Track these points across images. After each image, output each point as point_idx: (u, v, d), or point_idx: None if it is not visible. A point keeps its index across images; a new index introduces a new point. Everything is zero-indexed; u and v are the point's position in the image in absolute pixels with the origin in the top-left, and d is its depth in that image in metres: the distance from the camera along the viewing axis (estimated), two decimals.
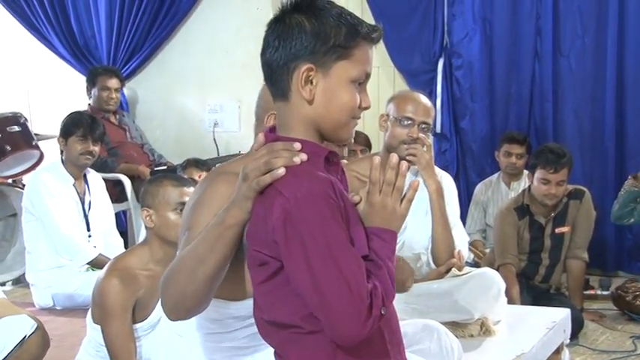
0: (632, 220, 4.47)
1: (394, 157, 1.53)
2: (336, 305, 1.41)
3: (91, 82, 5.60)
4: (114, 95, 5.57)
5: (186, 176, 4.12)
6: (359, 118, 1.60)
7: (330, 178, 1.50)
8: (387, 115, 2.98)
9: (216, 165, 4.93)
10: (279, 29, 1.55)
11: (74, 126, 4.50)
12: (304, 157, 1.51)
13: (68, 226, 4.46)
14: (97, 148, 4.54)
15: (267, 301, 1.54)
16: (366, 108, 1.59)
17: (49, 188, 4.47)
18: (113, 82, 5.58)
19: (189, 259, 1.64)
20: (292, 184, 1.46)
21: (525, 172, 4.84)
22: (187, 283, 1.63)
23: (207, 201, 1.80)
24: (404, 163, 1.54)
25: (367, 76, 1.58)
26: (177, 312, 1.69)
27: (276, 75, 1.55)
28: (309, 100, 1.54)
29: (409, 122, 2.91)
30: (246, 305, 1.77)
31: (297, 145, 1.52)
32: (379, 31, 1.58)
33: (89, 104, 5.59)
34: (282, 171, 1.49)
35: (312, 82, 1.53)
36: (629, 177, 4.43)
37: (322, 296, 1.42)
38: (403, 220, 1.55)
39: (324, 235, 1.42)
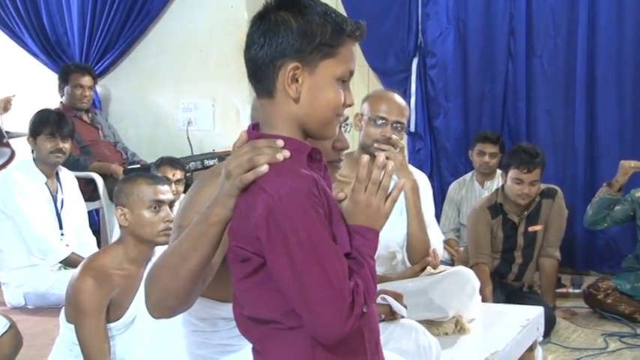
0: (605, 225, 4.50)
1: (381, 157, 1.53)
2: (318, 303, 1.42)
3: (64, 80, 5.53)
4: (87, 93, 5.51)
5: (159, 175, 4.09)
6: (342, 115, 1.60)
7: (314, 175, 1.50)
8: (362, 115, 2.99)
9: (190, 163, 4.95)
10: (264, 26, 1.54)
11: (41, 124, 4.46)
12: (287, 154, 1.50)
13: (41, 224, 4.42)
14: (67, 145, 4.50)
15: (247, 297, 1.54)
16: (350, 105, 1.59)
17: (20, 187, 4.44)
18: (86, 80, 5.51)
19: (173, 256, 1.63)
20: (276, 181, 1.46)
21: (499, 171, 4.88)
22: (170, 280, 1.62)
23: (199, 200, 1.80)
24: (391, 163, 1.54)
25: (351, 73, 1.58)
26: (161, 309, 1.68)
27: (261, 72, 1.54)
28: (295, 99, 1.53)
29: (383, 122, 2.92)
30: None
31: (280, 142, 1.51)
32: (362, 28, 1.58)
33: (61, 102, 5.54)
34: (265, 168, 1.48)
35: (297, 81, 1.52)
36: (604, 184, 4.45)
37: (304, 293, 1.42)
38: (386, 219, 1.55)
39: (307, 233, 1.42)
